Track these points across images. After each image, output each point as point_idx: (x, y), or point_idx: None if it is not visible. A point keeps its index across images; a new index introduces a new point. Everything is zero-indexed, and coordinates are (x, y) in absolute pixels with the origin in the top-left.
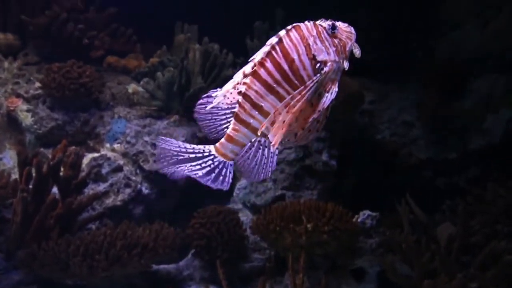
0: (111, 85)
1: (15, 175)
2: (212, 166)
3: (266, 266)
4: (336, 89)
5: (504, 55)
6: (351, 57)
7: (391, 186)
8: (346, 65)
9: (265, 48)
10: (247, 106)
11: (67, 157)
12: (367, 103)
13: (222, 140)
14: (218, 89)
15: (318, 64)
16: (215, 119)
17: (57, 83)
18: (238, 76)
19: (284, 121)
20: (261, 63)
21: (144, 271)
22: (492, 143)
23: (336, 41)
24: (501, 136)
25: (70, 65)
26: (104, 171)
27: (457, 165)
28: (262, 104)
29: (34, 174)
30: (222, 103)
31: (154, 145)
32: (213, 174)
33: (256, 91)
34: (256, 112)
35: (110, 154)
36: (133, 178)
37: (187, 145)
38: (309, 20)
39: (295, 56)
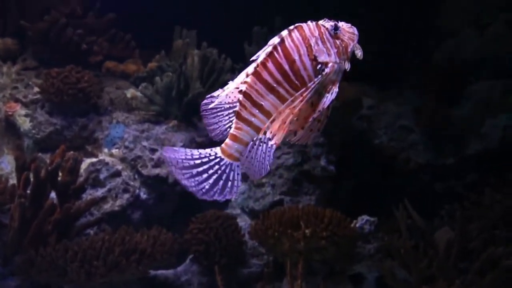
0: (110, 90)
1: (13, 180)
2: (220, 171)
3: (264, 272)
4: (337, 90)
5: (501, 60)
6: (352, 59)
7: (389, 191)
8: (347, 66)
9: (267, 48)
10: (247, 104)
11: (65, 162)
12: (366, 108)
13: (227, 140)
14: (220, 90)
15: (319, 65)
16: (220, 121)
17: (56, 88)
18: (241, 77)
19: (285, 121)
20: (263, 63)
21: (142, 277)
22: (490, 148)
23: (338, 42)
24: (498, 141)
25: (69, 70)
26: (102, 176)
27: (454, 170)
28: (263, 103)
29: (32, 179)
30: (225, 102)
31: (152, 150)
32: (221, 182)
33: (256, 90)
34: (257, 111)
35: (108, 159)
36: (131, 183)
37: (194, 152)
38: (311, 20)
39: (296, 57)
